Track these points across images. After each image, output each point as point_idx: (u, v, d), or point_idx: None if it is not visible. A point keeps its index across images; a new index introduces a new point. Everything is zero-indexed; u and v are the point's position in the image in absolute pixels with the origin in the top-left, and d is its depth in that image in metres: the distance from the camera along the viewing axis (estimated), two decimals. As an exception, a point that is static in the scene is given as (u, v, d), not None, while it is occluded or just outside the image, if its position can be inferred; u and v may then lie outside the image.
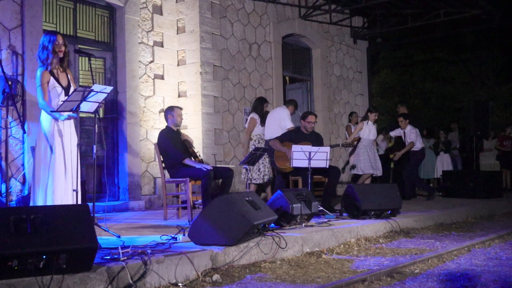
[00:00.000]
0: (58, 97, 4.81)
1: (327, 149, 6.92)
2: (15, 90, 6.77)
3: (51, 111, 4.71)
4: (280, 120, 8.34)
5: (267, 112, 8.61)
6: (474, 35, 17.78)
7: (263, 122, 8.48)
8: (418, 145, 9.79)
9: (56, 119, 4.79)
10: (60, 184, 4.73)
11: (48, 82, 4.78)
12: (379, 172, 9.04)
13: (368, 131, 9.01)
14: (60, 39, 4.83)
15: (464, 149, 14.84)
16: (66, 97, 4.76)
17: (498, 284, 3.70)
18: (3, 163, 6.50)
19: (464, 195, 10.02)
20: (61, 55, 4.84)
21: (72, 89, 4.87)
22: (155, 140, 6.79)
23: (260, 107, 8.52)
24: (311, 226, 5.52)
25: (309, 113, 7.73)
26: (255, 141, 8.40)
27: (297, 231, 5.07)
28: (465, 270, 4.20)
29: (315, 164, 6.79)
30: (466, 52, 19.97)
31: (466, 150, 14.75)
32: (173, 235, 4.49)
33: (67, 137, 4.85)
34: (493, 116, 14.65)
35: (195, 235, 4.24)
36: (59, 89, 4.84)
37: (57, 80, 4.84)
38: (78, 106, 4.59)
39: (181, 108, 6.86)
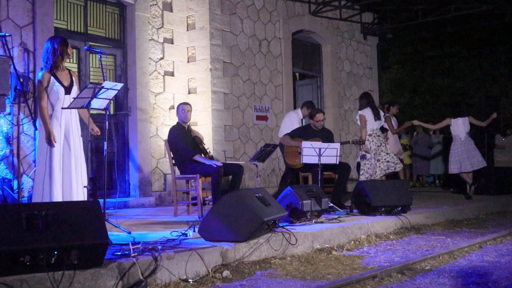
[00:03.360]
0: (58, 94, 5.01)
1: (337, 145, 6.90)
2: (27, 87, 6.81)
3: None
4: (292, 123, 8.62)
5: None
6: (485, 31, 17.59)
7: (376, 116, 8.12)
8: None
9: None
10: (57, 177, 4.86)
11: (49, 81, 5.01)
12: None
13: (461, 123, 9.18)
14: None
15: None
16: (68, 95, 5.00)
17: (510, 281, 3.68)
18: (15, 160, 6.56)
19: (476, 191, 9.94)
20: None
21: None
22: (165, 137, 6.80)
23: (373, 104, 8.18)
24: (321, 222, 5.51)
25: (316, 111, 7.59)
26: (373, 136, 7.85)
27: (307, 228, 5.07)
28: (476, 266, 4.17)
29: (325, 160, 6.76)
30: (478, 48, 19.78)
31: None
32: (183, 231, 4.50)
33: (67, 131, 5.00)
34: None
35: (205, 231, 4.25)
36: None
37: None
38: (89, 103, 4.64)
39: (189, 104, 6.85)
